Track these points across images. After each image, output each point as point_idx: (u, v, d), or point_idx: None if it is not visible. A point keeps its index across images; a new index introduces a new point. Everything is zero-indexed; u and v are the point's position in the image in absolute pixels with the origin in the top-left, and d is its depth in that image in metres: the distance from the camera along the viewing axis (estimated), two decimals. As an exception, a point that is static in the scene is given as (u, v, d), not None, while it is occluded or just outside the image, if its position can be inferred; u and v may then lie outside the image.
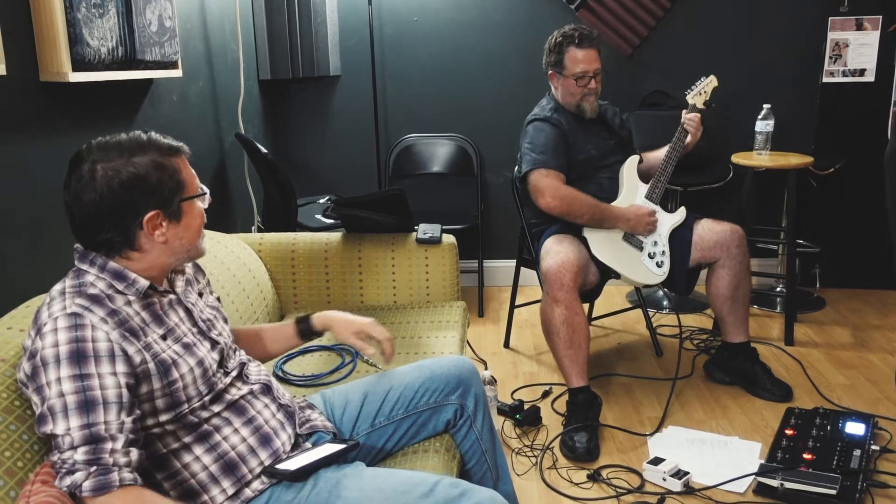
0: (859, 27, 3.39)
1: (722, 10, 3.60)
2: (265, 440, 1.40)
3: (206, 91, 2.85)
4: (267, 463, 1.39)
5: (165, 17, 2.27)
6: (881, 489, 2.08)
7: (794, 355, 2.99)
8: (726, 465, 2.23)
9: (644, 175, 2.69)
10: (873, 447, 2.23)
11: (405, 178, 3.79)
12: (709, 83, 2.69)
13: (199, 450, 1.33)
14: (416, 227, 2.52)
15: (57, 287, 1.28)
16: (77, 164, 1.27)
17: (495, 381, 2.48)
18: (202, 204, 1.38)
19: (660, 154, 2.67)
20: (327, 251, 2.47)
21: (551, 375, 2.89)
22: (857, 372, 2.86)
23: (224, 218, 3.00)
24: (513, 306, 3.20)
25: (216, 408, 1.37)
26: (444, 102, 3.77)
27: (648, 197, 2.64)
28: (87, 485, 1.14)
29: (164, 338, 1.31)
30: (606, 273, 2.61)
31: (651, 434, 2.44)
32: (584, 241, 2.56)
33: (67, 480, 1.14)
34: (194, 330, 1.39)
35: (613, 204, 2.60)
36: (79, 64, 1.84)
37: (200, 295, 1.50)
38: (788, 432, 2.30)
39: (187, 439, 1.33)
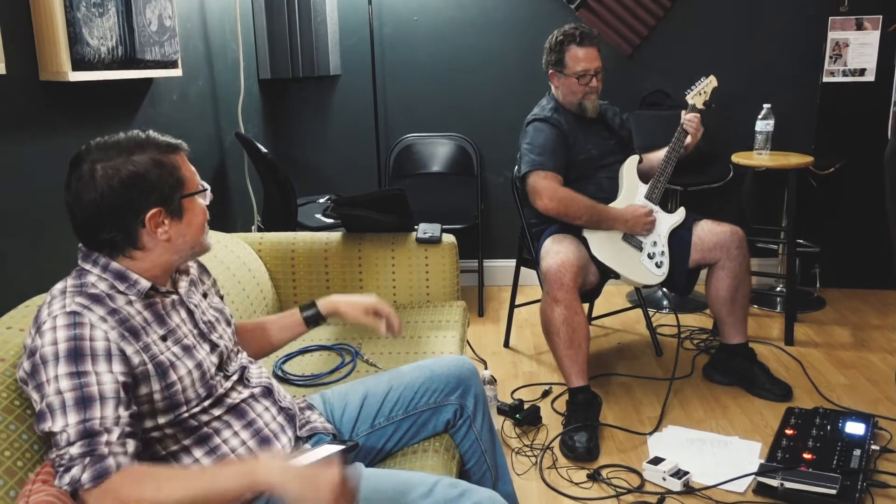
0: (859, 27, 3.39)
1: (722, 10, 3.60)
2: (265, 443, 1.40)
3: (205, 90, 2.85)
4: (266, 464, 1.38)
5: (165, 16, 2.27)
6: (881, 489, 2.08)
7: (794, 355, 2.99)
8: (726, 464, 2.23)
9: (644, 175, 2.69)
10: (873, 447, 2.23)
11: (405, 178, 3.79)
12: (708, 83, 2.69)
13: (198, 452, 1.33)
14: (416, 227, 2.52)
15: (58, 286, 1.28)
16: (77, 165, 1.27)
17: (495, 380, 2.48)
18: (203, 200, 1.38)
19: (659, 155, 2.67)
20: (327, 251, 2.47)
21: (551, 375, 2.89)
22: (857, 372, 2.86)
23: (224, 217, 3.00)
24: (513, 306, 3.20)
25: (216, 411, 1.37)
26: (445, 102, 3.77)
27: (648, 197, 2.64)
28: (85, 476, 1.14)
29: (164, 339, 1.31)
30: (606, 273, 2.61)
31: (651, 433, 2.44)
32: (583, 241, 2.56)
33: (66, 478, 1.14)
34: (195, 332, 1.39)
35: (612, 204, 2.60)
36: (78, 63, 1.84)
37: (205, 296, 1.50)
38: (788, 432, 2.30)
39: (187, 442, 1.33)
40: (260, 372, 1.53)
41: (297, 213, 3.02)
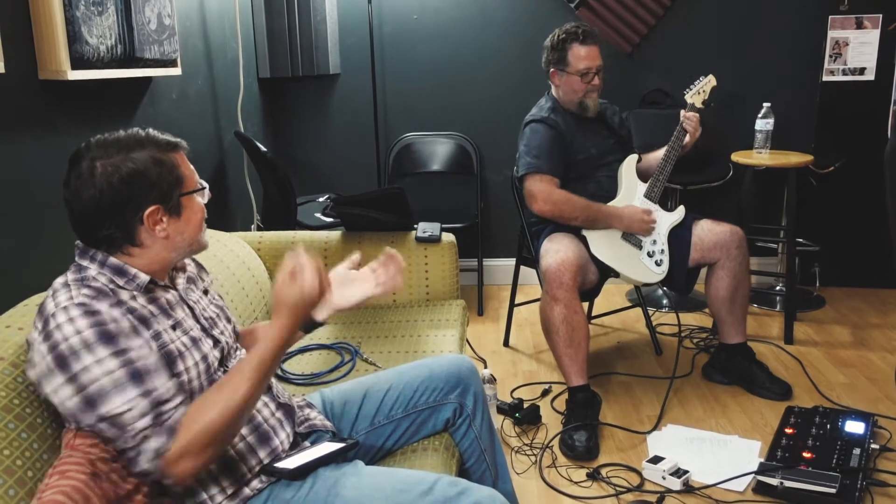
0: (859, 26, 3.39)
1: (722, 9, 3.60)
2: (264, 438, 1.40)
3: (205, 89, 2.85)
4: (266, 461, 1.38)
5: (165, 14, 2.27)
6: (881, 488, 2.08)
7: (794, 354, 2.99)
8: (726, 463, 2.23)
9: (643, 174, 2.69)
10: (873, 446, 2.23)
11: (405, 177, 3.78)
12: (707, 83, 2.69)
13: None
14: (415, 226, 2.52)
15: (59, 280, 1.28)
16: (76, 162, 1.27)
17: (495, 379, 2.48)
18: (202, 199, 1.39)
19: (658, 154, 2.67)
20: (327, 250, 2.47)
21: (551, 374, 2.89)
22: (857, 370, 2.86)
23: (223, 216, 2.99)
24: (512, 305, 3.20)
25: None
26: (444, 101, 3.77)
27: (647, 196, 2.64)
28: (163, 440, 1.19)
29: (173, 328, 1.32)
30: (606, 272, 2.61)
31: (650, 432, 2.44)
32: (583, 240, 2.56)
33: (147, 454, 1.18)
34: (197, 327, 1.40)
35: (611, 203, 2.60)
36: (78, 62, 1.84)
37: (205, 292, 1.51)
38: (788, 431, 2.30)
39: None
40: None
41: (297, 212, 3.02)
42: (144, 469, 1.19)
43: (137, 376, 1.19)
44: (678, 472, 2.14)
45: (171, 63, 2.33)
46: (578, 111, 2.68)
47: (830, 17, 3.41)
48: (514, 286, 3.18)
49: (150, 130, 1.33)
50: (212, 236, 2.20)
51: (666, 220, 2.65)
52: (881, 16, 3.35)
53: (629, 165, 2.68)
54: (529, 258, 2.84)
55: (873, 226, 3.43)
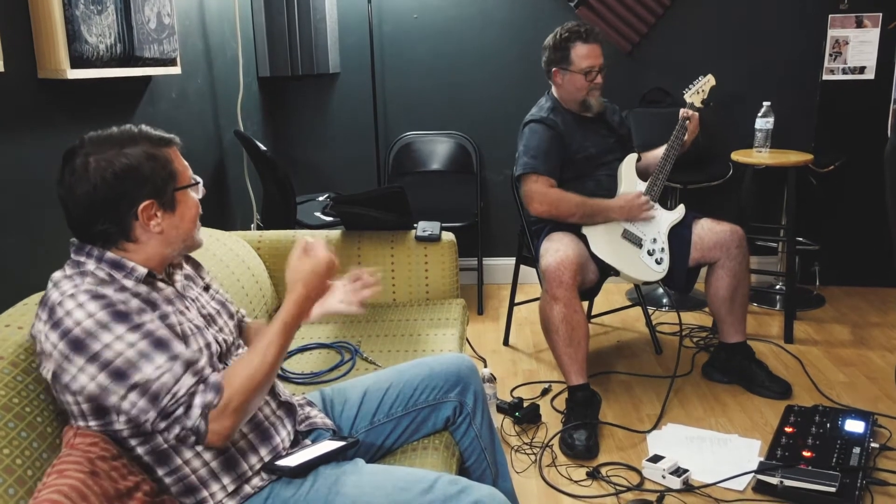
0: (859, 24, 3.39)
1: (722, 8, 3.60)
2: (265, 436, 1.40)
3: (205, 88, 2.85)
4: (266, 459, 1.39)
5: (164, 13, 2.27)
6: (880, 487, 2.08)
7: (794, 353, 2.99)
8: (726, 462, 2.23)
9: (642, 173, 2.69)
10: (873, 445, 2.23)
11: (405, 176, 3.78)
12: (706, 82, 2.69)
13: (198, 445, 1.33)
14: (415, 225, 2.52)
15: (58, 273, 1.29)
16: (70, 158, 1.28)
17: (495, 378, 2.48)
18: (196, 194, 1.39)
19: (658, 153, 2.67)
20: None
21: (551, 373, 2.89)
22: (857, 369, 2.86)
23: (223, 215, 2.99)
24: (512, 304, 3.20)
25: None
26: (444, 100, 3.77)
27: (647, 194, 2.63)
28: (210, 395, 1.22)
29: (181, 313, 1.33)
30: (606, 270, 2.61)
31: (650, 431, 2.44)
32: (583, 239, 2.56)
33: (195, 411, 1.20)
34: (199, 319, 1.40)
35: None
36: (77, 61, 1.84)
37: (206, 289, 1.51)
38: (788, 430, 2.30)
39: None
40: None
41: (297, 211, 3.01)
42: (190, 427, 1.20)
43: (161, 344, 1.22)
44: (678, 471, 2.14)
45: (171, 62, 2.33)
46: (581, 110, 2.68)
47: (830, 15, 3.40)
48: (513, 285, 3.18)
49: (144, 126, 1.34)
50: (211, 235, 2.21)
51: (666, 218, 2.65)
52: (881, 14, 3.35)
53: (629, 164, 2.68)
54: (529, 257, 2.84)
55: (873, 225, 3.43)
